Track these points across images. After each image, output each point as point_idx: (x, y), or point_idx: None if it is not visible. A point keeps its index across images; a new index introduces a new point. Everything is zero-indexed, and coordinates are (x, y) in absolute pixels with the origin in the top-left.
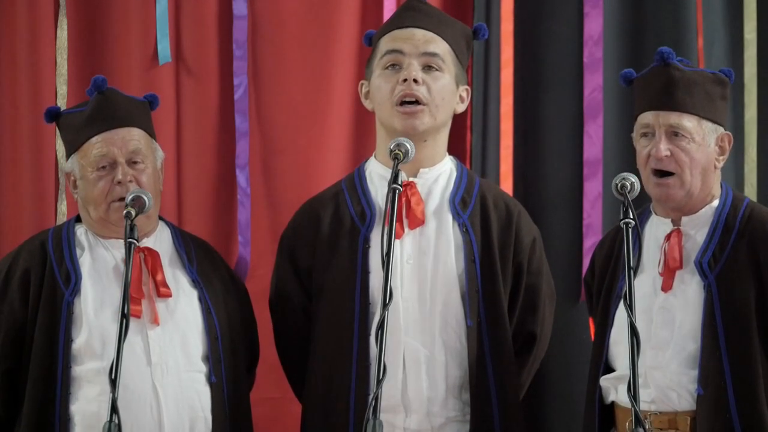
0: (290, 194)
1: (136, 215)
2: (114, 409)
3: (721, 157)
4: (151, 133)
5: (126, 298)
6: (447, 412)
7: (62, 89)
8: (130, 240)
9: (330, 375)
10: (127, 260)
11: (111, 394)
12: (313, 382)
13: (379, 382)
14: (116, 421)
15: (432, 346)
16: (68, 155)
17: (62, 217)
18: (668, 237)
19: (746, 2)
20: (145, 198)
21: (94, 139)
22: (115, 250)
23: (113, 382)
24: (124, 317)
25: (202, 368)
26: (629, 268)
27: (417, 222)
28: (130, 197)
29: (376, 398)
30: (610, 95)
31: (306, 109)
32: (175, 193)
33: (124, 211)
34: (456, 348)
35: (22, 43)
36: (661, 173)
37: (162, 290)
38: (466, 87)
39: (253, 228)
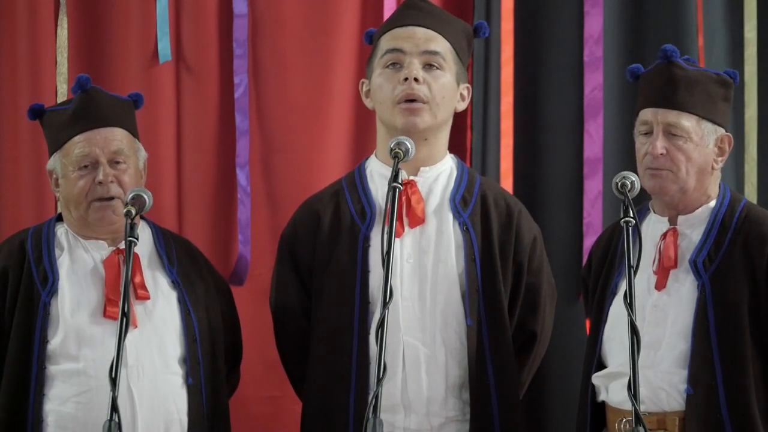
0: (290, 193)
1: (137, 214)
2: (114, 408)
3: (720, 158)
4: (135, 133)
5: (126, 296)
6: (447, 412)
7: (62, 88)
8: (131, 239)
9: (330, 374)
10: (127, 258)
11: (111, 393)
12: (314, 380)
13: (379, 381)
14: (116, 419)
15: (432, 345)
16: (50, 153)
17: None
18: (664, 236)
19: (746, 1)
20: (146, 197)
21: (76, 138)
22: (95, 251)
23: (113, 381)
24: (125, 316)
25: (179, 371)
26: (629, 266)
27: (417, 221)
28: (131, 196)
29: (376, 397)
30: (610, 94)
31: (306, 108)
32: (175, 191)
33: (125, 210)
34: (456, 347)
35: (22, 41)
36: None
37: (140, 293)
38: (467, 85)
39: (253, 227)
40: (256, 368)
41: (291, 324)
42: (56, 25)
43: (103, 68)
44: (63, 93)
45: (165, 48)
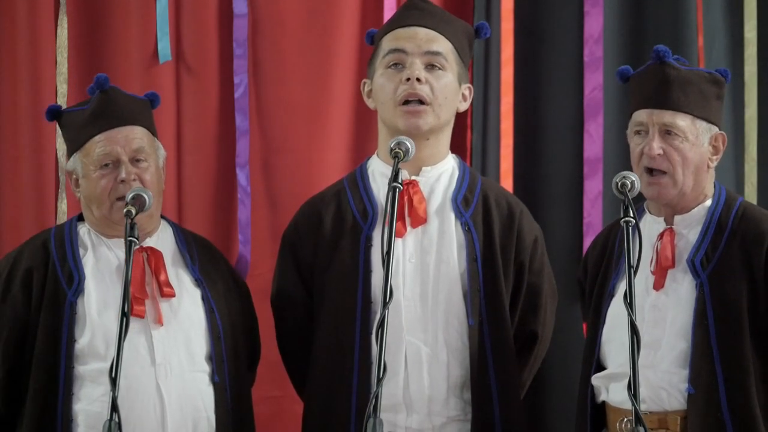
0: (290, 193)
1: (137, 214)
2: (114, 408)
3: (715, 157)
4: (153, 132)
5: (126, 296)
6: (448, 412)
7: (62, 88)
8: (130, 238)
9: (332, 373)
10: (127, 259)
11: (111, 393)
12: (315, 380)
13: (380, 380)
14: (116, 419)
15: (434, 345)
16: (70, 154)
17: (63, 216)
18: (661, 236)
19: (746, 1)
20: (146, 196)
21: (96, 138)
22: (118, 249)
23: (113, 381)
24: (125, 316)
25: (206, 368)
26: (630, 266)
27: (419, 220)
28: (131, 195)
29: (376, 397)
30: (610, 94)
31: (306, 108)
32: (176, 191)
33: (125, 210)
34: (457, 347)
35: (22, 41)
36: (654, 171)
37: (165, 290)
38: (469, 85)
39: (254, 227)
40: (257, 368)
41: (292, 323)
42: (56, 25)
43: (103, 68)
44: (63, 93)
45: (165, 48)
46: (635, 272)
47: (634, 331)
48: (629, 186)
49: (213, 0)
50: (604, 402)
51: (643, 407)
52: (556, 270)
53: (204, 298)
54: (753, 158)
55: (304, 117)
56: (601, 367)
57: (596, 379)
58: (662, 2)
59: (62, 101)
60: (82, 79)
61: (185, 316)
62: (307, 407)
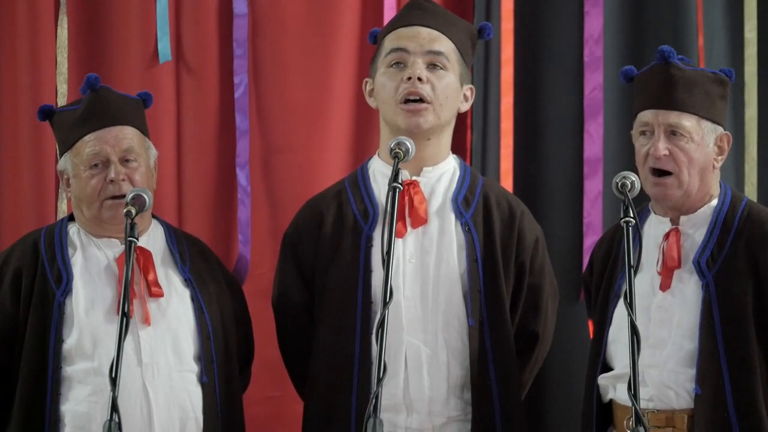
0: (290, 193)
1: (137, 214)
2: (114, 408)
3: (720, 157)
4: (145, 132)
5: (126, 296)
6: (448, 412)
7: (62, 88)
8: (131, 239)
9: (332, 374)
10: (127, 259)
11: (111, 393)
12: (316, 380)
13: (380, 381)
14: (116, 419)
15: (434, 345)
16: (61, 154)
17: (62, 216)
18: (667, 236)
19: (746, 1)
20: (146, 197)
21: (86, 138)
22: (108, 249)
23: (113, 381)
24: (125, 315)
25: (194, 368)
26: (629, 266)
27: (420, 221)
28: (131, 196)
29: (376, 397)
30: (610, 94)
31: (306, 108)
32: (175, 191)
33: (125, 210)
34: (458, 347)
35: (22, 41)
36: (659, 172)
37: (153, 290)
38: (471, 86)
39: (254, 227)
40: (256, 368)
41: (293, 322)
42: (56, 25)
43: (103, 68)
44: (63, 93)
45: (165, 48)
46: (635, 272)
47: (634, 331)
48: (629, 186)
49: (213, 0)
50: (610, 402)
51: (650, 405)
52: (556, 270)
53: (193, 298)
54: (753, 158)
55: (304, 117)
56: (607, 368)
57: (603, 379)
58: (662, 2)
59: (62, 101)
60: (82, 79)
61: (173, 316)
62: (308, 407)
